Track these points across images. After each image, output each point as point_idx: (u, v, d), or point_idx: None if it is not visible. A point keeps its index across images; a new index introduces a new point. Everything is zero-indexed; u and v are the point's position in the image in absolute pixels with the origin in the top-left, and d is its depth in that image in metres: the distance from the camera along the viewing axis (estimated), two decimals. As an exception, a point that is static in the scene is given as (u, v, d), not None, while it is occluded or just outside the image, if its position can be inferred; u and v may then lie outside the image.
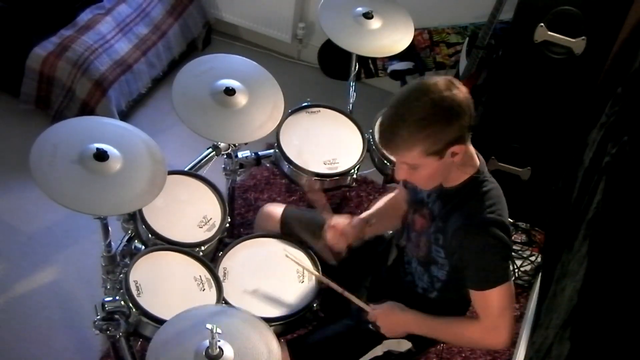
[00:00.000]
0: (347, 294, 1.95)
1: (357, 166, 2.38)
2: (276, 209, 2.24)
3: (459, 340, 1.89)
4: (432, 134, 1.60)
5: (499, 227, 1.69)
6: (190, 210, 2.18)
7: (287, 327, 1.99)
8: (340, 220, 2.00)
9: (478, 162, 1.76)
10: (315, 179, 2.32)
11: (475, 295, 1.74)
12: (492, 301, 1.71)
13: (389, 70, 3.33)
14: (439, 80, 1.63)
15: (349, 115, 2.53)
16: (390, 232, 2.21)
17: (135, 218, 2.11)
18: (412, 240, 1.94)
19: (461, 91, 1.62)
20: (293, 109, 2.47)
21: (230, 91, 2.17)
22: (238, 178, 2.53)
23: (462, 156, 1.68)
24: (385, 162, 2.41)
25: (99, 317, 1.92)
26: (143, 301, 1.88)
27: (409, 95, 1.62)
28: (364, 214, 2.06)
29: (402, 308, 1.87)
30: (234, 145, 2.36)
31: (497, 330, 1.73)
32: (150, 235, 2.07)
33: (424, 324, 1.85)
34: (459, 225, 1.71)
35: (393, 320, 1.87)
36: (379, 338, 1.93)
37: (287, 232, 2.19)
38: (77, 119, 2.12)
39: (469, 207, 1.72)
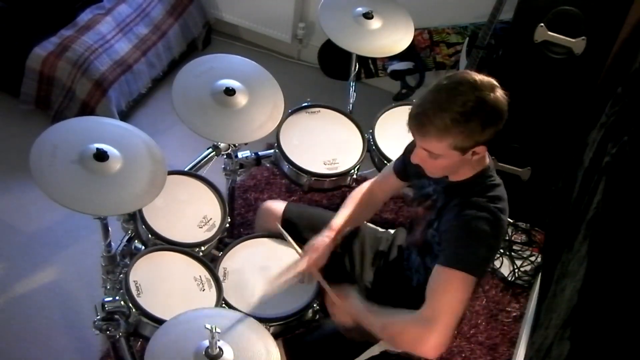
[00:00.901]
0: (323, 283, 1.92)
1: (357, 166, 2.38)
2: (277, 206, 2.23)
3: (388, 328, 1.74)
4: (467, 131, 1.59)
5: (494, 216, 1.67)
6: (190, 210, 2.18)
7: (287, 327, 1.99)
8: (311, 256, 1.95)
9: (487, 162, 1.77)
10: (315, 179, 2.32)
11: (435, 270, 1.66)
12: (446, 285, 1.62)
13: (389, 70, 3.33)
14: (484, 78, 1.60)
15: (349, 115, 2.52)
16: (392, 231, 2.21)
17: (135, 218, 2.11)
18: (414, 231, 1.95)
19: (503, 95, 1.61)
20: (293, 109, 2.47)
21: (230, 91, 2.17)
22: (238, 178, 2.53)
23: (481, 156, 1.68)
24: (385, 162, 2.41)
25: (98, 317, 1.92)
26: (143, 301, 1.88)
27: (456, 87, 1.58)
28: (338, 222, 2.01)
29: (355, 296, 1.84)
30: (234, 145, 2.36)
31: (430, 327, 1.59)
32: (150, 236, 2.07)
33: (364, 312, 1.79)
34: (457, 202, 1.71)
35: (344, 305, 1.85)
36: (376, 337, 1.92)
37: (288, 230, 2.18)
38: (77, 119, 2.12)
39: (471, 193, 1.71)
